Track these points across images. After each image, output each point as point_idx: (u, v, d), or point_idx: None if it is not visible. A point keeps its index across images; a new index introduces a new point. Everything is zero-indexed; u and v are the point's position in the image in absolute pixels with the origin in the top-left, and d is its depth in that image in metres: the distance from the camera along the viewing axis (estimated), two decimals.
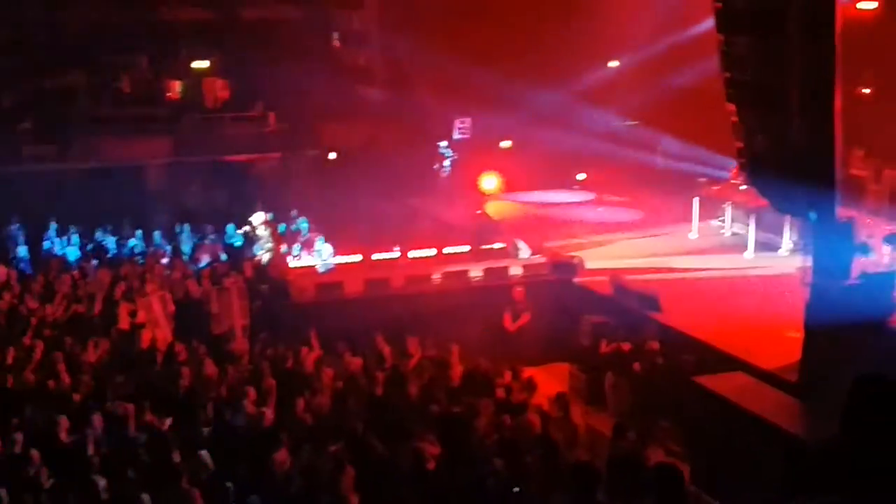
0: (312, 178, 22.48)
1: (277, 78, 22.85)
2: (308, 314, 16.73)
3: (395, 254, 19.04)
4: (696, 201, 20.93)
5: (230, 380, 13.81)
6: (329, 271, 18.53)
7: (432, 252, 19.19)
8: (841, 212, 13.12)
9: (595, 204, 23.29)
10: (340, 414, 12.80)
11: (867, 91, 20.95)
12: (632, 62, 24.73)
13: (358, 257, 18.88)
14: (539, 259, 19.08)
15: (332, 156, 24.41)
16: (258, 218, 19.31)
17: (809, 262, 13.47)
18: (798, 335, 13.32)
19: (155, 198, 22.84)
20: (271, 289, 17.64)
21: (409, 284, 17.81)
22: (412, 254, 19.09)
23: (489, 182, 22.99)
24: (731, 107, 13.58)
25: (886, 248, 16.68)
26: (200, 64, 25.38)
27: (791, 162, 12.90)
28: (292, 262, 18.72)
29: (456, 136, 24.39)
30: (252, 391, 12.95)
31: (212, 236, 20.34)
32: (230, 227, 20.61)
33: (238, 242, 20.18)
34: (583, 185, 24.32)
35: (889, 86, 19.23)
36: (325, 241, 19.17)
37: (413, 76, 23.77)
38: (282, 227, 20.41)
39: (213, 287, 17.16)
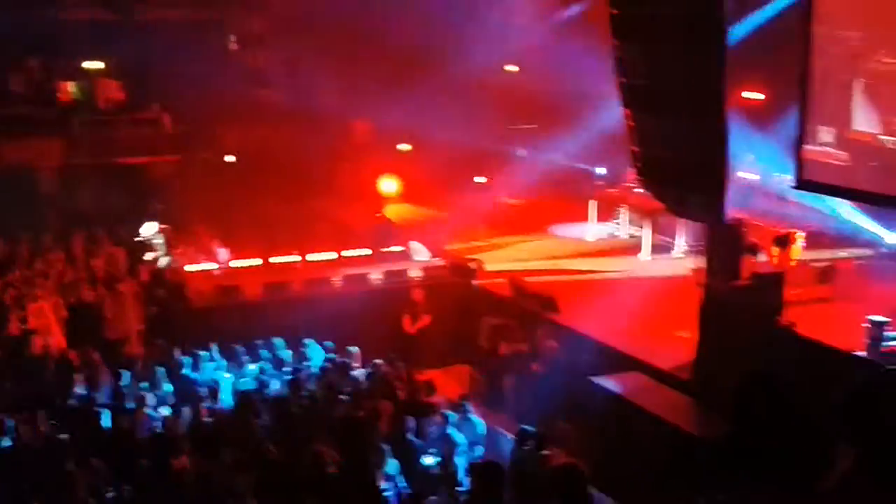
0: (209, 180, 22.19)
1: (173, 80, 22.53)
2: (206, 319, 16.55)
3: (295, 257, 18.93)
4: (592, 204, 21.22)
5: (126, 385, 13.60)
6: (227, 275, 18.31)
7: (332, 255, 19.13)
8: (731, 214, 13.44)
9: (494, 206, 23.43)
10: (240, 419, 12.70)
11: (756, 95, 21.45)
12: (530, 65, 24.94)
13: (257, 261, 18.71)
14: (438, 262, 19.17)
15: (230, 158, 24.15)
16: (151, 227, 19.00)
17: (702, 263, 13.76)
18: (691, 335, 13.61)
19: (46, 201, 22.33)
20: (168, 293, 17.39)
21: (308, 287, 17.73)
22: (311, 257, 19.01)
23: (388, 185, 22.99)
24: (626, 111, 13.82)
25: (775, 250, 17.13)
26: (94, 64, 24.88)
27: (683, 165, 13.18)
28: (190, 266, 18.46)
29: (355, 139, 24.37)
30: (149, 397, 12.78)
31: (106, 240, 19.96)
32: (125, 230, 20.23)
33: (135, 247, 19.82)
34: (482, 188, 24.45)
35: (777, 90, 19.72)
36: (224, 245, 18.94)
37: (311, 78, 23.65)
38: (178, 229, 20.10)
39: (107, 292, 16.84)
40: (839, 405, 4.63)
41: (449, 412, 13.00)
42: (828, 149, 15.46)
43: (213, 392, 13.58)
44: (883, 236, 18.38)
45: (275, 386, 14.09)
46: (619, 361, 14.49)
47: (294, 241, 19.21)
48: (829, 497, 4.64)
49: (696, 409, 12.98)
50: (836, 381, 4.86)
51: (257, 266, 18.66)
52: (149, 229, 19.11)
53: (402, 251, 19.65)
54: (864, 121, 15.08)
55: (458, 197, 23.31)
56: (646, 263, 19.37)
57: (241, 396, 13.45)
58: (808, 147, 15.99)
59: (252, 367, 14.78)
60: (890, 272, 17.21)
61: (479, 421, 13.23)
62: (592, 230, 21.20)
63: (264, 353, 15.25)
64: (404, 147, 24.71)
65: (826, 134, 15.56)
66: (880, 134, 14.84)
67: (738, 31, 18.06)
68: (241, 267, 18.59)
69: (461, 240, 20.69)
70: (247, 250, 18.82)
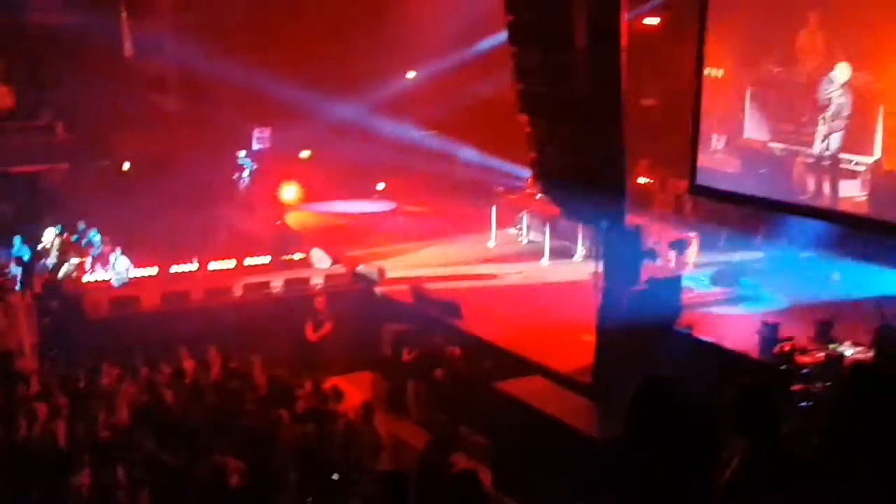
0: (105, 189, 21.78)
1: (66, 86, 22.08)
2: (103, 330, 16.26)
3: (194, 266, 18.67)
4: (493, 210, 21.36)
5: (19, 399, 13.26)
6: (124, 285, 18.00)
7: (232, 263, 18.93)
8: (629, 219, 13.65)
9: (395, 213, 23.46)
10: (138, 431, 12.48)
11: (652, 102, 21.85)
12: (429, 72, 25.03)
13: (154, 270, 18.42)
14: (340, 269, 19.11)
15: (126, 166, 23.74)
16: (49, 233, 18.55)
17: (601, 268, 13.94)
18: (591, 339, 13.78)
19: None
20: (63, 305, 17.01)
21: (208, 297, 17.51)
22: (211, 266, 18.78)
23: (289, 192, 22.84)
24: (524, 118, 13.94)
25: (672, 254, 17.46)
26: None
27: (581, 172, 13.33)
28: (86, 277, 18.09)
29: (255, 145, 24.12)
30: (43, 410, 12.47)
31: None
32: (17, 239, 19.70)
33: (26, 256, 19.34)
34: (382, 195, 24.46)
35: (672, 98, 20.12)
36: (122, 254, 18.58)
37: (210, 85, 23.39)
38: (73, 239, 19.69)
39: None
40: (730, 404, 4.75)
41: (352, 420, 12.96)
42: (719, 156, 15.82)
43: (111, 405, 13.31)
44: (774, 239, 18.85)
45: (173, 397, 13.88)
46: (520, 366, 14.60)
47: (193, 250, 18.96)
48: (721, 494, 4.75)
49: (596, 412, 13.13)
50: (731, 382, 4.97)
51: (155, 275, 18.35)
52: (48, 236, 18.65)
53: (303, 259, 19.53)
54: (754, 128, 15.46)
55: (360, 204, 23.29)
56: (546, 268, 19.56)
57: (139, 409, 13.21)
58: (701, 154, 16.35)
59: (149, 377, 14.54)
60: (781, 275, 17.69)
61: (380, 429, 13.21)
62: (493, 236, 21.32)
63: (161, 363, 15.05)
64: (305, 153, 24.57)
65: (718, 141, 15.92)
66: (770, 141, 15.23)
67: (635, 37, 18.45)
68: (139, 277, 18.27)
69: (362, 246, 20.64)
70: (145, 260, 18.51)
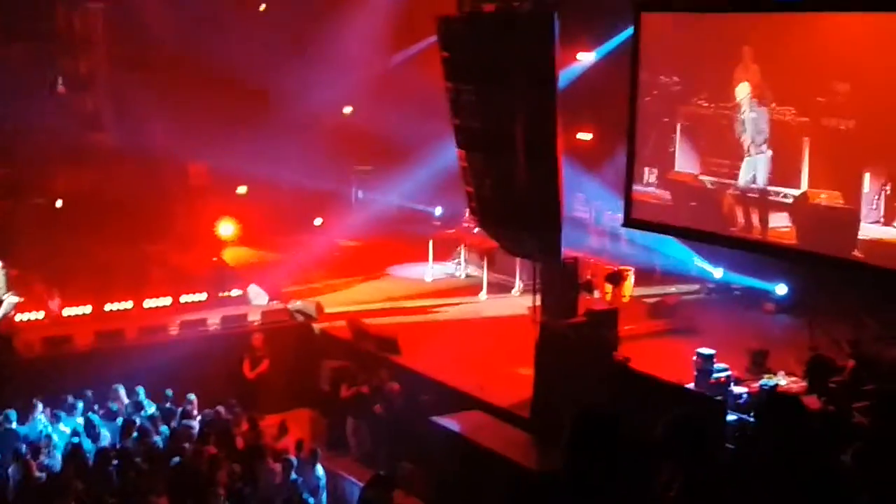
0: (39, 226, 21.46)
1: None
2: (35, 370, 15.95)
3: (129, 304, 18.44)
4: (430, 244, 21.40)
5: None
6: (55, 321, 17.66)
7: (168, 301, 18.72)
8: (565, 253, 13.77)
9: (332, 248, 23.39)
10: (70, 473, 12.28)
11: (587, 136, 22.08)
12: (364, 107, 25.09)
13: (88, 308, 18.15)
14: (277, 305, 18.99)
15: (59, 203, 23.41)
16: None
17: (538, 301, 14.02)
18: (529, 372, 13.83)
19: None
20: None
21: (143, 335, 17.29)
22: (147, 303, 18.56)
23: (226, 228, 22.69)
24: (460, 152, 14.04)
25: (608, 287, 17.61)
26: None
27: (518, 205, 13.44)
28: (19, 316, 17.75)
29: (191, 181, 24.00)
30: None
31: None
32: None
33: None
34: (320, 230, 24.39)
35: (608, 131, 20.36)
36: (54, 292, 18.29)
37: (145, 120, 23.21)
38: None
39: None
40: (664, 435, 4.81)
41: (291, 458, 12.87)
42: (652, 189, 16.02)
43: (43, 447, 13.08)
44: (709, 272, 19.13)
45: (107, 437, 13.69)
46: (459, 401, 14.59)
47: (128, 288, 18.72)
48: None
49: (535, 445, 13.17)
50: (666, 413, 5.03)
51: (89, 314, 18.09)
52: None
53: (240, 295, 19.38)
54: (684, 162, 15.69)
55: (297, 239, 23.21)
56: (484, 303, 19.62)
57: (72, 449, 13.00)
58: (635, 186, 16.55)
59: (83, 418, 14.32)
60: (715, 306, 17.95)
61: (321, 466, 13.13)
62: (431, 271, 21.35)
63: (97, 403, 14.83)
64: (241, 189, 24.46)
65: (650, 174, 16.13)
66: (700, 174, 15.46)
67: (569, 73, 18.73)
68: (73, 315, 17.99)
69: (300, 282, 20.55)
70: (79, 298, 18.24)
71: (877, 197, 13.05)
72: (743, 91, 14.48)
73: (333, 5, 23.01)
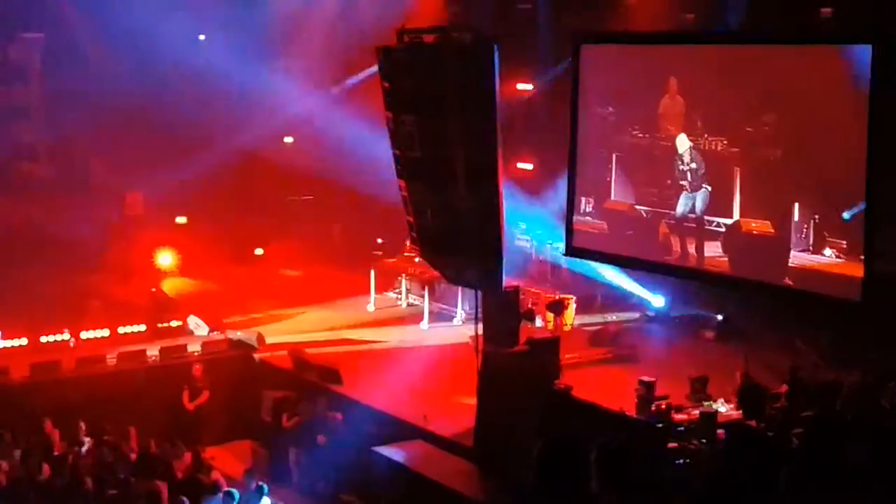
0: None
1: None
2: None
3: (66, 335, 18.16)
4: (372, 273, 21.37)
5: None
6: None
7: (105, 332, 18.47)
8: (507, 282, 13.82)
9: (273, 278, 23.26)
10: None
11: (528, 166, 22.24)
12: (306, 136, 25.07)
13: (23, 340, 17.84)
14: (217, 336, 18.82)
15: None
16: None
17: (480, 330, 14.04)
18: (472, 401, 13.83)
19: None
20: None
21: (81, 367, 17.02)
22: (84, 334, 18.29)
23: (165, 258, 22.49)
24: (401, 182, 14.07)
25: (549, 315, 17.73)
26: None
27: (459, 235, 13.48)
28: None
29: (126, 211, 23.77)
30: None
31: None
32: None
33: None
34: (260, 260, 24.25)
35: (548, 161, 20.53)
36: None
37: (82, 151, 22.98)
38: None
39: None
40: (595, 460, 4.85)
41: (234, 490, 12.71)
42: (588, 218, 16.16)
43: None
44: (649, 300, 19.31)
45: (45, 471, 13.44)
46: (402, 430, 14.55)
47: (65, 319, 18.44)
48: None
49: (478, 475, 13.16)
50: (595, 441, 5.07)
51: (25, 346, 17.78)
52: None
53: (179, 326, 19.18)
54: (620, 191, 15.86)
55: (237, 269, 23.06)
56: (426, 331, 19.60)
57: (11, 485, 12.75)
58: (575, 216, 16.69)
59: (18, 452, 14.06)
60: (656, 334, 18.11)
61: (266, 499, 12.98)
62: (373, 300, 21.31)
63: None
64: (181, 220, 24.26)
65: (587, 204, 16.28)
66: (636, 204, 15.63)
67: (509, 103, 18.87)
68: (7, 347, 17.67)
69: (241, 313, 20.40)
70: (14, 330, 17.92)
71: (805, 226, 13.30)
72: (674, 122, 14.70)
73: (270, 35, 23.02)
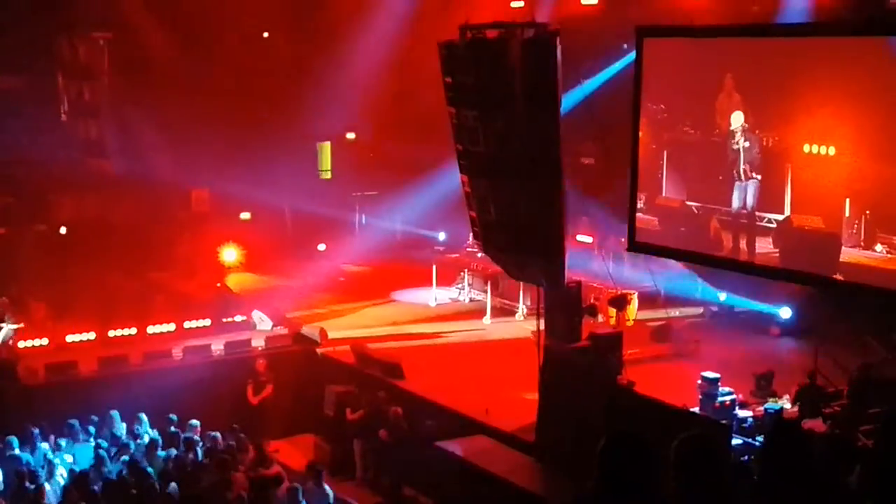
0: (42, 253, 21.51)
1: (2, 150, 21.85)
2: (38, 396, 15.94)
3: (132, 330, 18.44)
4: (434, 269, 21.41)
5: None
6: (58, 348, 17.65)
7: (171, 327, 18.73)
8: (569, 277, 13.77)
9: (336, 273, 23.42)
10: (82, 499, 12.26)
11: (590, 161, 22.14)
12: (368, 133, 25.21)
13: (92, 335, 18.15)
14: (281, 330, 18.98)
15: (63, 230, 23.47)
16: None
17: (542, 325, 14.01)
18: (534, 397, 13.81)
19: None
20: None
21: (147, 361, 17.28)
22: (151, 329, 18.57)
23: (229, 254, 22.76)
24: (464, 177, 14.07)
25: (611, 311, 17.61)
26: None
27: (521, 230, 13.45)
28: (21, 343, 17.74)
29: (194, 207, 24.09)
30: None
31: None
32: None
33: None
34: (323, 255, 24.43)
35: (610, 156, 20.40)
36: (57, 318, 18.27)
37: (148, 147, 23.31)
38: None
39: None
40: (674, 456, 4.80)
41: (297, 485, 12.82)
42: (640, 214, 16.05)
43: (47, 474, 13.06)
44: (714, 295, 19.12)
45: (112, 464, 13.66)
46: (464, 425, 14.57)
47: (132, 314, 18.73)
48: None
49: (540, 470, 13.14)
50: (672, 438, 5.02)
51: (93, 340, 18.09)
52: None
53: (244, 321, 19.39)
54: (672, 187, 15.72)
55: (300, 265, 23.24)
56: (488, 327, 19.60)
57: (76, 477, 12.97)
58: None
59: (88, 445, 14.31)
60: (721, 330, 17.93)
61: (328, 491, 13.08)
62: (435, 295, 21.35)
63: (101, 429, 14.81)
64: (245, 215, 24.51)
65: (639, 200, 16.15)
66: (687, 200, 15.49)
67: (572, 97, 18.82)
68: (77, 341, 17.99)
69: (304, 308, 20.56)
70: (82, 324, 18.25)
71: (857, 222, 13.10)
72: (737, 120, 14.54)
73: (335, 32, 23.11)
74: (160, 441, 14.40)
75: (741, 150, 14.42)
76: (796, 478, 5.04)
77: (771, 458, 5.20)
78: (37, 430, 14.41)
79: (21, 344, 17.64)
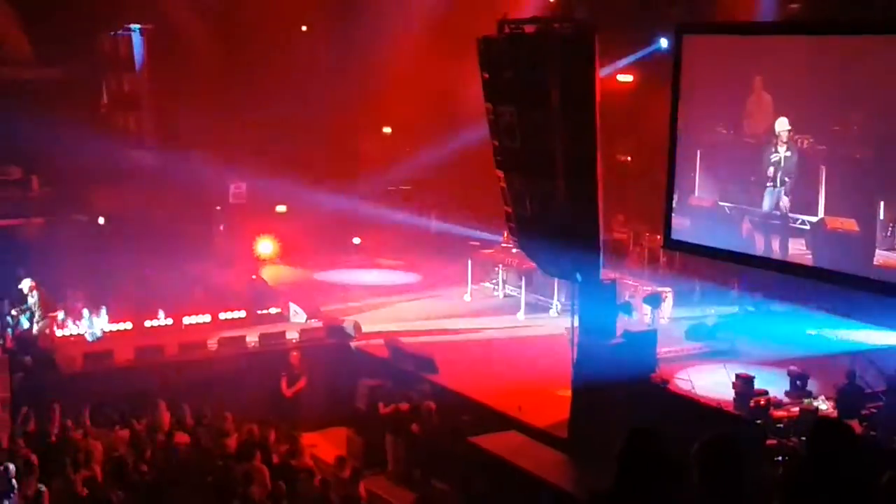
0: (81, 243, 21.71)
1: (41, 140, 22.07)
2: (76, 385, 16.10)
3: (169, 320, 18.59)
4: (469, 264, 21.42)
5: None
6: (97, 340, 17.86)
7: (207, 318, 18.86)
8: (604, 273, 13.73)
9: (371, 267, 23.49)
10: (111, 487, 12.37)
11: (626, 158, 22.08)
12: (406, 128, 25.25)
13: (128, 325, 18.32)
14: (315, 323, 19.06)
15: (102, 220, 23.69)
16: (26, 283, 18.37)
17: (576, 322, 13.98)
18: (567, 393, 13.79)
19: None
20: (35, 360, 16.86)
21: (182, 351, 17.41)
22: (186, 320, 18.71)
23: (265, 246, 22.86)
24: (500, 173, 14.06)
25: (646, 308, 17.56)
26: None
27: (557, 226, 13.43)
28: (59, 332, 17.95)
29: (231, 200, 24.21)
30: (13, 468, 12.33)
31: None
32: None
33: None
34: (358, 249, 24.50)
35: (646, 153, 20.32)
36: (98, 309, 18.44)
37: (186, 140, 23.45)
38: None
39: None
40: (695, 454, 4.78)
41: (327, 479, 12.88)
42: (673, 214, 15.98)
43: (84, 461, 13.20)
44: (749, 294, 19.00)
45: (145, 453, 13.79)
46: (497, 421, 14.57)
47: (168, 305, 18.88)
48: None
49: (572, 466, 13.12)
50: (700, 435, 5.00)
51: (130, 330, 18.26)
52: (25, 285, 18.48)
53: (278, 313, 19.49)
54: (704, 188, 15.63)
55: (335, 258, 23.31)
56: (522, 322, 19.58)
57: (112, 463, 13.10)
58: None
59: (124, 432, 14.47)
60: (756, 328, 17.80)
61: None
62: (469, 290, 21.36)
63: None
64: (281, 208, 24.63)
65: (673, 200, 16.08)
66: (719, 200, 15.40)
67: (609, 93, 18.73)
68: (113, 331, 18.17)
69: (338, 301, 20.62)
70: (119, 314, 18.41)
71: (891, 224, 12.99)
72: (761, 119, 14.44)
73: (373, 25, 23.14)
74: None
75: (777, 150, 14.33)
76: (843, 480, 4.99)
77: (816, 459, 5.15)
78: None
79: (59, 333, 17.83)
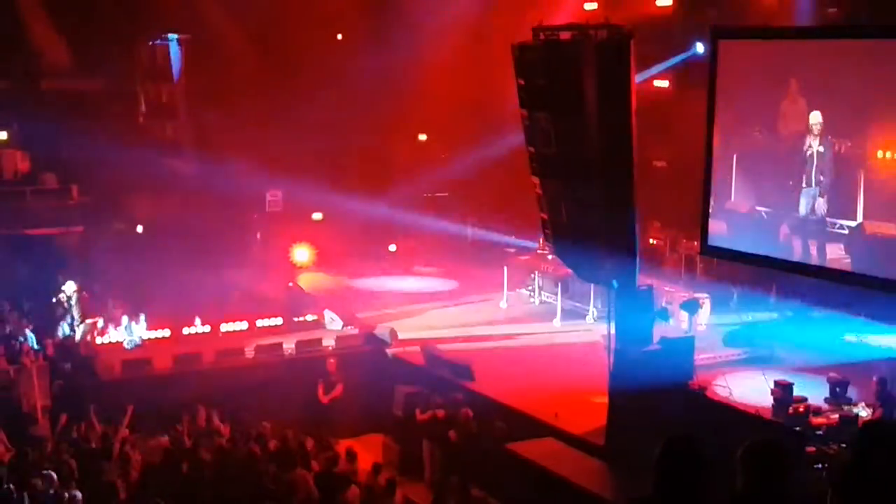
0: (119, 251, 21.92)
1: (80, 150, 22.31)
2: (115, 392, 16.23)
3: (206, 328, 18.72)
4: (505, 270, 21.40)
5: (30, 464, 13.22)
6: (137, 348, 18.02)
7: (244, 325, 18.97)
8: (641, 280, 13.68)
9: (407, 274, 23.53)
10: (151, 495, 12.44)
11: (662, 164, 21.98)
12: (441, 135, 25.29)
13: (167, 332, 18.46)
14: (352, 330, 19.11)
15: (140, 229, 23.91)
16: (70, 287, 18.56)
17: (613, 328, 13.94)
18: (604, 400, 13.74)
19: None
20: (75, 367, 17.03)
21: (220, 359, 17.52)
22: (224, 327, 18.83)
23: (301, 254, 22.98)
24: (535, 179, 14.04)
25: (683, 315, 17.45)
26: None
27: (593, 232, 13.40)
28: (98, 339, 18.12)
29: (268, 208, 24.38)
30: (54, 475, 12.44)
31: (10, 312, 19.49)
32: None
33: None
34: (394, 256, 24.55)
35: (682, 158, 20.22)
36: (137, 317, 18.61)
37: (223, 148, 23.63)
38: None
39: (10, 366, 16.44)
40: (738, 459, 4.76)
41: (366, 486, 12.90)
42: (710, 219, 15.88)
43: (123, 468, 13.30)
44: (787, 300, 18.85)
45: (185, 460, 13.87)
46: (533, 427, 14.55)
47: (206, 312, 19.00)
48: None
49: (609, 473, 13.07)
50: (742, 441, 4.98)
51: (168, 337, 18.40)
52: (69, 289, 18.69)
53: (315, 320, 19.56)
54: (741, 193, 15.52)
55: (371, 265, 23.36)
56: (558, 329, 19.54)
57: (151, 472, 13.19)
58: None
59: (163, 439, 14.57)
60: (795, 335, 17.65)
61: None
62: (505, 297, 21.34)
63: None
64: (317, 216, 24.73)
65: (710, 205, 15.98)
66: (756, 205, 15.29)
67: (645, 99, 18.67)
68: (152, 338, 18.31)
69: (374, 308, 20.68)
70: (157, 322, 18.56)
71: None
72: (797, 123, 14.32)
73: (408, 33, 23.20)
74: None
75: (814, 154, 14.22)
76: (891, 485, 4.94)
77: (863, 464, 5.10)
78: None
79: (98, 340, 17.99)
